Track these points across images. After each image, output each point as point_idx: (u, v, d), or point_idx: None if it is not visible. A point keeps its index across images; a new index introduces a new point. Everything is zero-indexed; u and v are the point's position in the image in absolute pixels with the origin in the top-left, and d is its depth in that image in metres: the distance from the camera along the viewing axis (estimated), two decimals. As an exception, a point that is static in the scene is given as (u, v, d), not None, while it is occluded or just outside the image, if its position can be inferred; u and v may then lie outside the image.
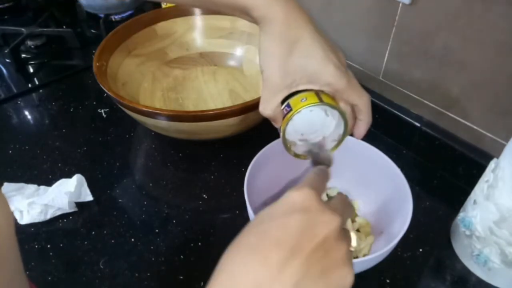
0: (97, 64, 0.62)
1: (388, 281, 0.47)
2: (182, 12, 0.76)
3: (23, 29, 0.87)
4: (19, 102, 0.75)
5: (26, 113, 0.74)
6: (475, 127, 0.57)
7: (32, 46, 0.89)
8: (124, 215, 0.55)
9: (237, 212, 0.55)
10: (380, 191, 0.50)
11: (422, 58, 0.58)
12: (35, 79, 0.82)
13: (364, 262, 0.41)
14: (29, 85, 0.79)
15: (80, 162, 0.62)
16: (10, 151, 0.65)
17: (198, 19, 0.77)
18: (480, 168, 0.46)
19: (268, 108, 0.38)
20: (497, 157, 0.43)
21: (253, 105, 0.54)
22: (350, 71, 0.38)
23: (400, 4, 0.57)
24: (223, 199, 0.57)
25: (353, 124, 0.40)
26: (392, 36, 0.61)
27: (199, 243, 0.51)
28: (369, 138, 0.43)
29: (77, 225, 0.54)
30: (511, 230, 0.41)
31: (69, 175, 0.57)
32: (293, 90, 0.38)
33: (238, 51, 0.77)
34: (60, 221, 0.54)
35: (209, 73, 0.76)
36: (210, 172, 0.61)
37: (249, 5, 0.37)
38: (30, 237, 0.52)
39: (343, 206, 0.31)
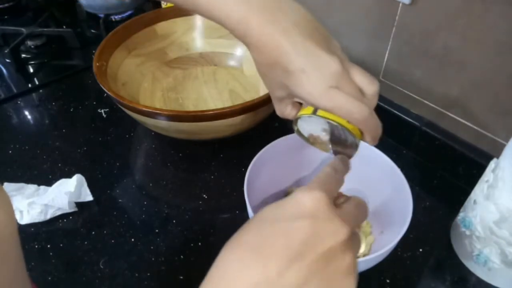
0: (97, 64, 0.62)
1: (388, 281, 0.47)
2: (182, 12, 0.76)
3: (23, 29, 0.87)
4: (19, 102, 0.75)
5: (26, 113, 0.74)
6: (475, 127, 0.57)
7: (32, 46, 0.89)
8: (124, 215, 0.55)
9: (237, 212, 0.55)
10: (380, 191, 0.50)
11: (422, 58, 0.58)
12: (35, 79, 0.82)
13: (364, 262, 0.41)
14: (29, 85, 0.79)
15: (80, 162, 0.62)
16: (10, 151, 0.65)
17: (198, 19, 0.77)
18: (480, 168, 0.46)
19: (278, 113, 0.40)
20: (497, 157, 0.43)
21: (253, 105, 0.54)
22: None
23: (400, 4, 0.57)
24: (223, 199, 0.57)
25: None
26: (392, 36, 0.61)
27: (199, 243, 0.51)
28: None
29: (77, 225, 0.54)
30: (511, 230, 0.41)
31: (69, 175, 0.57)
32: (289, 100, 0.38)
33: (238, 51, 0.77)
34: (60, 221, 0.54)
35: (209, 73, 0.76)
36: (210, 172, 0.61)
37: (227, 26, 0.34)
38: (30, 237, 0.52)
39: (356, 211, 0.29)
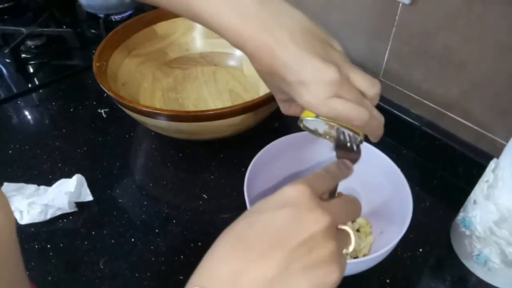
0: (97, 64, 0.62)
1: (388, 281, 0.47)
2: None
3: (23, 29, 0.87)
4: (19, 102, 0.75)
5: (26, 113, 0.74)
6: (475, 127, 0.57)
7: (32, 46, 0.89)
8: (124, 215, 0.55)
9: (237, 212, 0.55)
10: (380, 191, 0.50)
11: (422, 58, 0.58)
12: (35, 79, 0.82)
13: (364, 262, 0.41)
14: (29, 85, 0.79)
15: (80, 162, 0.62)
16: (10, 151, 0.65)
17: (198, 19, 0.77)
18: (480, 168, 0.46)
19: (283, 111, 0.41)
20: (497, 157, 0.43)
21: (253, 105, 0.54)
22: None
23: (400, 4, 0.57)
24: (223, 199, 0.57)
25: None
26: (392, 36, 0.61)
27: (199, 243, 0.51)
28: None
29: (77, 225, 0.54)
30: (511, 230, 0.41)
31: (69, 175, 0.57)
32: (292, 100, 0.38)
33: (238, 51, 0.75)
34: (60, 221, 0.54)
35: (209, 73, 0.76)
36: (210, 172, 0.61)
37: (225, 36, 0.34)
38: (30, 237, 0.52)
39: (345, 207, 0.30)
